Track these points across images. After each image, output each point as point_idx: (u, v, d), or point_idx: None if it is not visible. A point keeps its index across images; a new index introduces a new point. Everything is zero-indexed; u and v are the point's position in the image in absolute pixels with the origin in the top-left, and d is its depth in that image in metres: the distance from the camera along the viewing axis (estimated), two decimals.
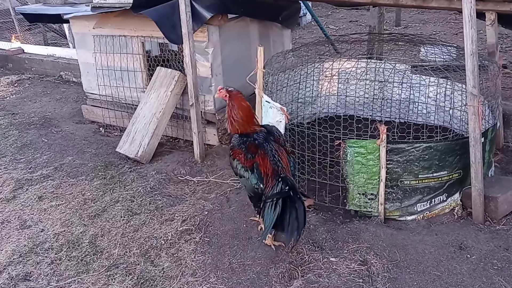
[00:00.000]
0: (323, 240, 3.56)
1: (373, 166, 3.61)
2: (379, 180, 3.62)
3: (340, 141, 3.66)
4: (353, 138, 3.66)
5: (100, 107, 6.02)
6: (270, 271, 3.28)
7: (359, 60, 5.17)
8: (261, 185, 3.21)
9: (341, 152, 3.68)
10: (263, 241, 3.44)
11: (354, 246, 3.45)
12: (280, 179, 3.12)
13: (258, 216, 3.51)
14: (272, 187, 3.14)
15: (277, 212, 3.00)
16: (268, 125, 3.60)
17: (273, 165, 3.21)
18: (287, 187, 3.06)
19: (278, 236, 3.46)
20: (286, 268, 3.30)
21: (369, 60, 5.15)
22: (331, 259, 3.36)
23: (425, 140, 3.64)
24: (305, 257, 3.39)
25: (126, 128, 5.36)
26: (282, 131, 3.94)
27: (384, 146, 3.51)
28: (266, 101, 4.12)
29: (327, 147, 3.84)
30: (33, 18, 6.52)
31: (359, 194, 3.73)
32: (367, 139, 3.61)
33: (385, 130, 3.48)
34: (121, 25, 5.38)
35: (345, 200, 3.86)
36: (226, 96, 3.43)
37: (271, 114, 4.05)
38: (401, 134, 3.96)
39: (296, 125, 3.95)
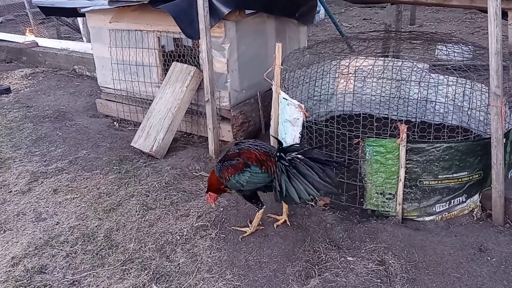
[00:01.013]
0: (340, 239, 3.53)
1: (392, 165, 3.57)
2: (397, 180, 3.58)
3: (359, 139, 3.62)
4: (372, 137, 3.61)
5: (115, 101, 6.02)
6: (287, 269, 3.26)
7: (377, 58, 5.13)
8: (263, 170, 3.33)
9: (360, 151, 3.64)
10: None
11: (371, 245, 3.42)
12: (279, 153, 3.31)
13: (258, 208, 3.57)
14: (275, 164, 3.30)
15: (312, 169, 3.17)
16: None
17: (261, 150, 3.40)
18: (294, 152, 3.27)
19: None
20: (303, 267, 3.28)
21: (386, 58, 5.10)
22: (348, 258, 3.33)
23: (445, 140, 3.59)
24: (322, 256, 3.37)
25: (140, 122, 5.36)
26: (299, 128, 3.91)
27: (404, 146, 3.47)
28: (283, 98, 4.09)
29: (345, 146, 3.80)
30: (49, 11, 6.52)
31: (377, 193, 3.69)
32: (386, 138, 3.57)
33: (405, 129, 3.43)
34: (137, 19, 5.37)
35: (362, 199, 3.82)
36: (210, 195, 3.65)
37: (288, 111, 4.02)
38: (421, 133, 3.90)
39: (314, 122, 3.91)
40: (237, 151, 3.47)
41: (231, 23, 4.84)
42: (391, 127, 3.60)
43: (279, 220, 3.70)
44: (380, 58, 5.10)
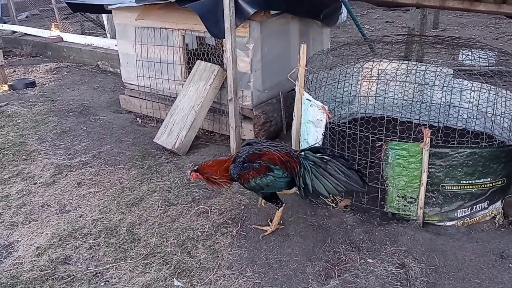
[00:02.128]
0: (360, 241, 3.54)
1: (415, 169, 3.57)
2: (419, 184, 3.58)
3: (382, 142, 3.62)
4: (395, 140, 3.62)
5: (138, 97, 6.11)
6: (307, 269, 3.29)
7: (401, 62, 5.12)
8: (287, 172, 3.35)
9: (382, 154, 3.65)
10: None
11: (392, 248, 3.43)
12: (303, 153, 3.38)
13: (279, 206, 3.57)
14: (299, 164, 3.33)
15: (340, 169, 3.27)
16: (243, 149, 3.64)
17: (282, 151, 3.40)
18: (319, 153, 3.34)
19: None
20: (323, 267, 3.31)
21: (410, 62, 5.08)
22: (368, 260, 3.35)
23: (469, 145, 3.58)
24: (342, 257, 3.39)
25: (162, 119, 5.43)
26: (322, 130, 3.93)
27: (427, 150, 3.47)
28: (306, 99, 4.11)
29: (367, 148, 3.81)
30: (76, 8, 6.64)
31: (398, 196, 3.70)
32: (409, 142, 3.57)
33: (429, 134, 3.43)
34: (163, 17, 5.44)
35: (382, 202, 3.83)
36: (197, 175, 3.56)
37: (311, 112, 4.04)
38: (444, 138, 3.89)
39: (337, 124, 3.93)
40: (257, 152, 3.41)
41: (256, 23, 4.88)
42: (415, 131, 3.59)
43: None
44: (403, 62, 5.10)
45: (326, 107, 3.88)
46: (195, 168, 3.60)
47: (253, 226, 3.75)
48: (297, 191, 3.50)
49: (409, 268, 3.24)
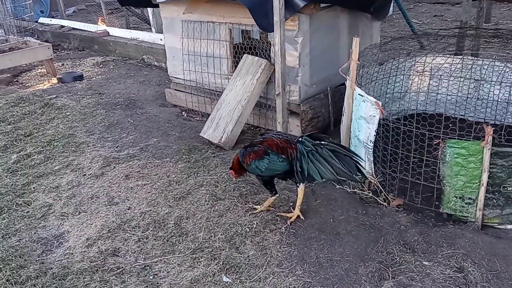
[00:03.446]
0: (415, 242, 3.41)
1: (474, 169, 3.40)
2: (479, 185, 3.41)
3: (440, 140, 3.47)
4: (454, 138, 3.45)
5: (184, 91, 6.11)
6: (359, 269, 3.19)
7: (454, 56, 4.92)
8: (283, 157, 3.52)
9: (440, 152, 3.49)
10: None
11: (449, 251, 3.28)
12: (300, 139, 3.51)
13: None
14: (296, 149, 3.49)
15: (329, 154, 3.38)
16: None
17: (282, 138, 3.60)
18: (316, 139, 3.46)
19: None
20: (376, 268, 3.19)
21: (465, 57, 4.87)
22: (424, 262, 3.21)
23: None
24: (395, 258, 3.27)
25: (208, 113, 5.41)
26: (375, 126, 3.80)
27: (488, 149, 3.29)
28: (358, 94, 3.99)
29: (423, 146, 3.66)
30: (125, 1, 6.70)
31: (456, 197, 3.53)
32: (469, 140, 3.40)
33: (492, 132, 3.26)
34: (210, 11, 5.41)
35: (437, 202, 3.67)
36: (232, 172, 3.92)
37: (364, 108, 3.91)
38: (508, 137, 3.69)
39: (391, 121, 3.79)
40: (261, 139, 3.69)
41: (305, 16, 4.78)
42: (476, 129, 3.42)
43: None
44: (458, 56, 4.89)
45: (380, 103, 3.75)
46: (230, 167, 3.94)
47: (277, 214, 3.82)
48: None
49: (468, 272, 3.08)
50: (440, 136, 3.48)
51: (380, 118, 3.77)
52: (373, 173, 3.96)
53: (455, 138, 3.46)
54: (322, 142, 3.45)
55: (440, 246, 3.34)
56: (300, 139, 3.54)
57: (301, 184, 3.63)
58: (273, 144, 3.59)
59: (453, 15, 10.68)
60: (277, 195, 3.83)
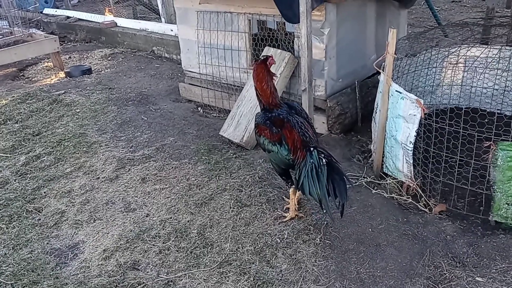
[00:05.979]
0: (464, 255, 3.10)
1: None
2: None
3: (491, 142, 3.15)
4: (508, 140, 3.13)
5: (199, 86, 5.80)
6: (406, 286, 2.89)
7: (491, 47, 4.57)
8: (291, 156, 3.28)
9: (490, 155, 3.17)
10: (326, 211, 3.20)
11: (503, 265, 2.98)
12: (312, 149, 3.19)
13: (288, 186, 3.54)
14: (304, 157, 3.20)
15: (324, 178, 3.07)
16: (289, 101, 3.65)
17: (301, 136, 3.29)
18: (322, 155, 3.14)
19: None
20: (424, 285, 2.90)
21: (503, 47, 4.52)
22: (477, 278, 2.91)
23: None
24: (444, 273, 2.97)
25: (225, 109, 5.10)
26: (415, 126, 3.48)
27: None
28: (396, 90, 3.66)
29: (471, 148, 3.34)
30: None
31: (508, 204, 3.22)
32: None
33: None
34: (228, 1, 5.07)
35: (485, 209, 3.36)
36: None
37: (402, 106, 3.59)
38: None
39: (435, 121, 3.46)
40: (284, 121, 3.35)
41: (332, 5, 4.44)
42: None
43: (286, 216, 3.60)
44: (494, 47, 4.54)
45: (422, 101, 3.42)
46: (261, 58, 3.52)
47: (278, 211, 3.68)
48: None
49: None
50: (491, 137, 3.16)
51: (421, 117, 3.45)
52: (413, 176, 3.64)
53: (508, 140, 3.14)
54: (325, 161, 3.13)
55: (493, 259, 3.03)
56: (312, 149, 3.22)
57: (290, 189, 3.49)
58: (291, 138, 3.30)
59: (472, 0, 10.28)
60: (293, 186, 3.45)
